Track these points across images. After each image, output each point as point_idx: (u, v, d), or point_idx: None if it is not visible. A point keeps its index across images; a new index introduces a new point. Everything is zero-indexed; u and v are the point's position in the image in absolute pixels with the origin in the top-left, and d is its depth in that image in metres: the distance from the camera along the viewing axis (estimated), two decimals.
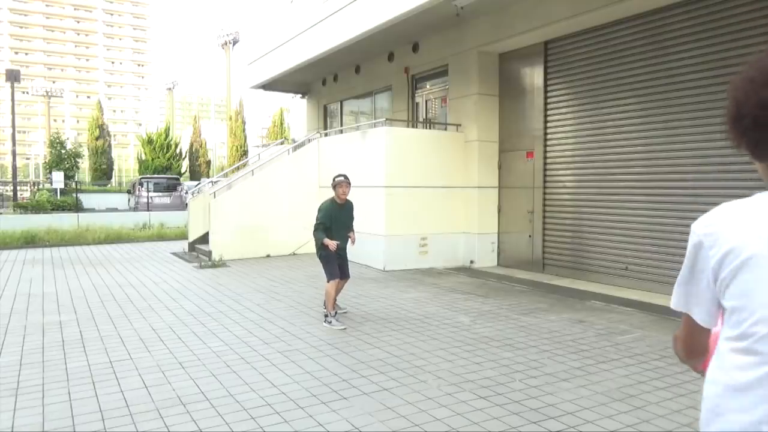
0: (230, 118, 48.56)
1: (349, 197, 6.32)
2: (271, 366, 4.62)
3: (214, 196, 11.50)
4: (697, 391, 4.01)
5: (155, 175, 32.94)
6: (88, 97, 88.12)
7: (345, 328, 5.77)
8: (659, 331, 5.69)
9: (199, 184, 21.68)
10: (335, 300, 6.15)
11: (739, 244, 1.14)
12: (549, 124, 9.41)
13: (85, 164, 45.40)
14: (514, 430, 3.42)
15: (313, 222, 6.17)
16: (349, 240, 6.27)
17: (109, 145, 50.30)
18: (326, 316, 6.00)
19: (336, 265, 6.06)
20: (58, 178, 26.60)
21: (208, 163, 49.50)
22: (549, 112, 9.40)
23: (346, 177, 6.21)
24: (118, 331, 5.72)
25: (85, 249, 13.33)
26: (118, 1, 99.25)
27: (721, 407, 1.17)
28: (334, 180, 6.20)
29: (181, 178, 36.59)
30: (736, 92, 1.19)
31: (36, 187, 34.03)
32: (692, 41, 7.20)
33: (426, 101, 12.07)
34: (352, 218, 6.37)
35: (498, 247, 10.38)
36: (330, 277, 6.02)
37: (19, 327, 5.91)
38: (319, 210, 6.16)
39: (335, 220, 6.09)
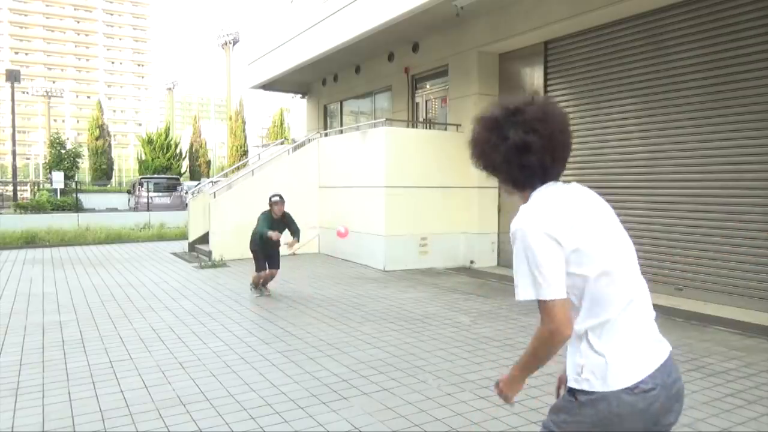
0: (230, 118, 48.57)
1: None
2: (271, 366, 4.62)
3: (214, 196, 11.50)
4: (696, 390, 4.01)
5: (155, 175, 32.95)
6: (88, 97, 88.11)
7: (259, 296, 7.50)
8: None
9: (199, 184, 21.69)
10: (259, 285, 7.65)
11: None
12: None
13: (85, 164, 45.39)
14: (514, 430, 3.42)
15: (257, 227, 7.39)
16: (287, 246, 7.44)
17: (109, 145, 50.36)
18: (252, 289, 7.73)
19: (263, 260, 7.49)
20: (58, 178, 26.56)
21: (208, 163, 49.51)
22: None
23: (280, 197, 7.46)
24: (118, 331, 5.72)
25: (85, 249, 13.34)
26: (118, 1, 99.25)
27: None
28: (270, 199, 7.45)
29: (181, 178, 36.60)
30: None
31: (36, 187, 34.00)
32: (692, 41, 7.20)
33: (426, 101, 12.07)
34: (292, 227, 7.54)
35: (498, 247, 10.37)
36: (258, 269, 7.52)
37: (19, 327, 5.91)
38: (258, 219, 7.43)
39: (271, 227, 7.33)
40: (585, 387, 1.51)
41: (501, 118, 1.59)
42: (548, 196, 1.57)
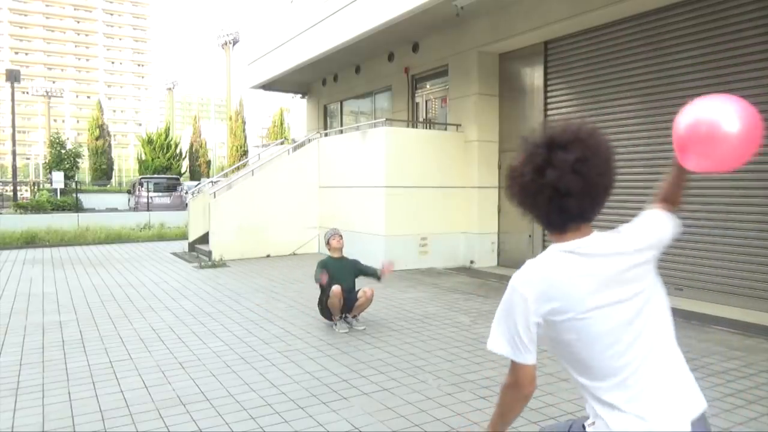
0: (230, 118, 48.60)
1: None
2: (271, 366, 4.62)
3: (214, 196, 11.50)
4: None
5: (155, 175, 32.95)
6: (88, 97, 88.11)
7: (346, 331, 5.67)
8: None
9: (199, 184, 21.68)
10: (340, 312, 5.73)
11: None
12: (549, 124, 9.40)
13: (85, 164, 45.39)
14: (514, 430, 3.42)
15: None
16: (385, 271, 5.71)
17: (109, 145, 50.35)
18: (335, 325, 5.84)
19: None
20: (58, 178, 26.57)
21: (208, 163, 49.52)
22: (549, 112, 9.40)
23: (334, 230, 6.07)
24: (118, 331, 5.72)
25: (85, 249, 13.33)
26: (118, 1, 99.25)
27: None
28: (325, 235, 6.05)
29: (181, 178, 36.60)
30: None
31: (36, 187, 33.98)
32: (692, 41, 7.19)
33: (426, 101, 12.07)
34: (366, 270, 5.93)
35: (498, 247, 10.38)
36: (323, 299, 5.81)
37: (19, 327, 5.91)
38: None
39: (333, 274, 5.68)
40: None
41: (541, 153, 1.43)
42: (554, 253, 1.48)
